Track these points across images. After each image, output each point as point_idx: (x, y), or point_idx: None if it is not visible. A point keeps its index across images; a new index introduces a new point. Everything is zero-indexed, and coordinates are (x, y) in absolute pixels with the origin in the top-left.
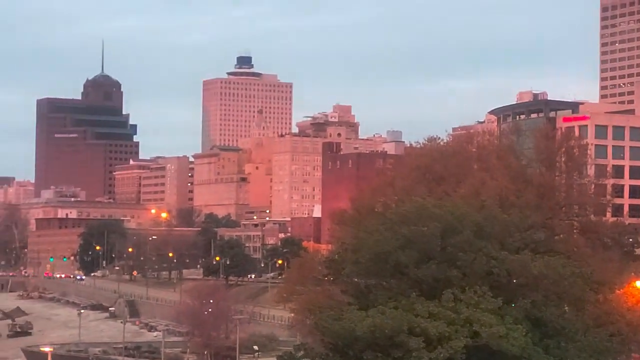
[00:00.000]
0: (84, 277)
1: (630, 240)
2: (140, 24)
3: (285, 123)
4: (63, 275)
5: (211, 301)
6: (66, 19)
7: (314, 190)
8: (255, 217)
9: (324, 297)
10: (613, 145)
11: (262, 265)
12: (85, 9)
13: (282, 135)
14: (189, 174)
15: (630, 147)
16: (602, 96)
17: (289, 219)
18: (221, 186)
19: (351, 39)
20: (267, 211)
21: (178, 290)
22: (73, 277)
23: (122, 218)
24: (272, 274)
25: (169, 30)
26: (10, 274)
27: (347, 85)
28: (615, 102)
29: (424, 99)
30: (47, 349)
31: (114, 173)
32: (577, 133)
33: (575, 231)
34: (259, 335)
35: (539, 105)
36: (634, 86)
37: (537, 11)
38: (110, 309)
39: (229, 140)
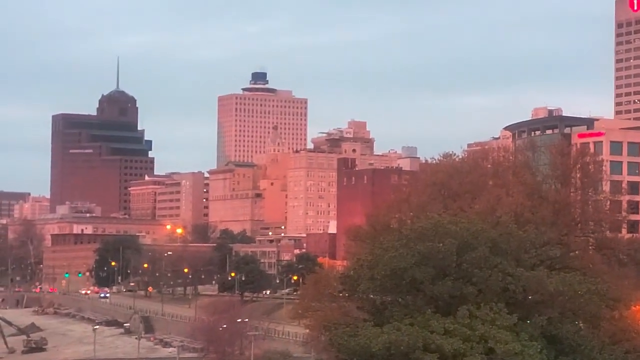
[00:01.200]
0: (108, 294)
1: None
2: (155, 40)
3: (300, 139)
4: (88, 292)
5: (226, 317)
6: (82, 35)
7: (329, 206)
8: (270, 233)
9: (340, 314)
10: (628, 162)
11: (277, 281)
12: (101, 25)
13: (297, 151)
14: (204, 190)
15: None
16: (617, 112)
17: (304, 235)
18: (236, 202)
19: (366, 55)
20: (282, 227)
21: (193, 306)
22: (90, 292)
23: (137, 234)
24: (287, 290)
25: (184, 46)
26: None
27: (362, 101)
28: (630, 118)
29: (439, 115)
30: None
31: (129, 189)
32: (592, 149)
33: (590, 248)
34: (274, 351)
35: (554, 121)
36: None
37: (551, 27)
38: (125, 324)
39: (244, 156)
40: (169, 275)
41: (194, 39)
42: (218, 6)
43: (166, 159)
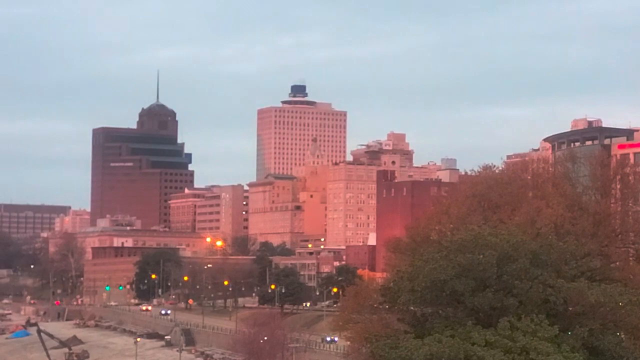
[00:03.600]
0: (169, 312)
1: None
2: (194, 53)
3: (340, 151)
4: (149, 308)
5: (267, 329)
6: (121, 50)
7: (368, 218)
8: (310, 245)
9: (380, 326)
10: None
11: (317, 293)
12: (140, 39)
13: (336, 164)
14: (244, 203)
15: None
16: None
17: (344, 247)
18: (276, 214)
19: (404, 67)
20: (322, 239)
21: (234, 319)
22: (150, 309)
23: (177, 246)
24: (327, 302)
25: (222, 59)
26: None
27: (400, 114)
28: None
29: (478, 127)
30: None
31: (169, 202)
32: (632, 160)
33: (631, 259)
34: None
35: (593, 132)
36: None
37: (589, 38)
38: (166, 337)
39: (283, 168)
40: (209, 287)
41: (232, 52)
42: (254, 20)
43: (206, 172)
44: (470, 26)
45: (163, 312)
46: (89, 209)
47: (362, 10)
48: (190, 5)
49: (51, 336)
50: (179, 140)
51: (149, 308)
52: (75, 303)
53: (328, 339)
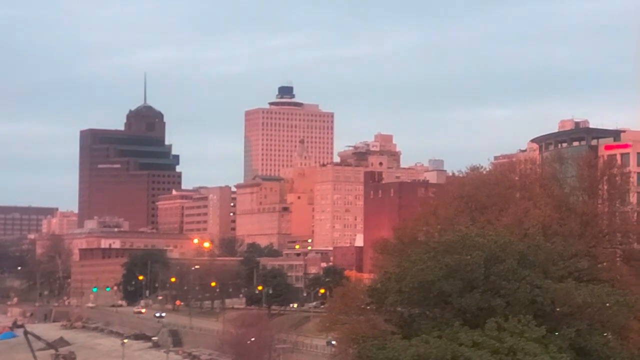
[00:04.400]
0: (164, 315)
1: None
2: (182, 55)
3: (327, 152)
4: (143, 311)
5: (254, 330)
6: (109, 52)
7: (355, 219)
8: (297, 247)
9: (367, 327)
10: None
11: (305, 294)
12: (128, 41)
13: (323, 165)
14: (232, 204)
15: None
16: None
17: (331, 249)
18: (263, 216)
19: (390, 68)
20: (309, 240)
21: (221, 320)
22: (144, 311)
23: (165, 248)
24: (314, 303)
25: (209, 61)
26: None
27: (388, 115)
28: None
29: (465, 128)
30: None
31: (157, 203)
32: (619, 161)
33: (618, 259)
34: None
35: (580, 133)
36: None
37: (576, 40)
38: (153, 338)
39: (271, 170)
40: (196, 289)
41: (219, 53)
42: (241, 21)
43: (193, 173)
44: (457, 27)
45: (158, 314)
46: (76, 211)
47: (349, 11)
48: (177, 7)
49: (38, 338)
50: (167, 142)
51: (143, 310)
52: (58, 304)
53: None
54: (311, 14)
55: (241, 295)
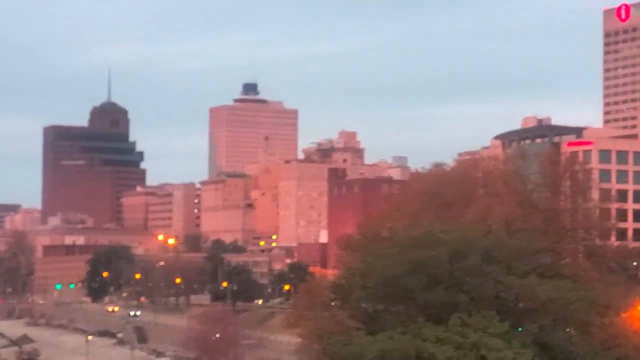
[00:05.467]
0: (138, 313)
1: (635, 264)
2: (146, 51)
3: (291, 149)
4: (116, 309)
5: (219, 326)
6: (73, 48)
7: (320, 215)
8: (262, 243)
9: (332, 323)
10: (617, 170)
11: (269, 290)
12: (92, 36)
13: (288, 162)
14: (196, 201)
15: (634, 171)
16: (606, 121)
17: (296, 245)
18: (228, 212)
19: (354, 66)
20: (274, 237)
21: (186, 316)
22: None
23: (129, 244)
24: (279, 300)
25: (173, 57)
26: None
27: (352, 112)
28: (618, 127)
29: (429, 125)
30: None
31: (121, 200)
32: (581, 158)
33: (581, 255)
34: None
35: (543, 130)
36: (637, 111)
37: (540, 37)
38: (118, 335)
39: (235, 166)
40: (161, 285)
41: (182, 49)
42: (204, 17)
43: (158, 170)
44: (420, 25)
45: (132, 313)
46: (40, 207)
47: (313, 7)
48: (141, 3)
49: (1, 335)
50: (131, 139)
51: (116, 309)
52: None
53: None
54: (275, 11)
55: (206, 292)
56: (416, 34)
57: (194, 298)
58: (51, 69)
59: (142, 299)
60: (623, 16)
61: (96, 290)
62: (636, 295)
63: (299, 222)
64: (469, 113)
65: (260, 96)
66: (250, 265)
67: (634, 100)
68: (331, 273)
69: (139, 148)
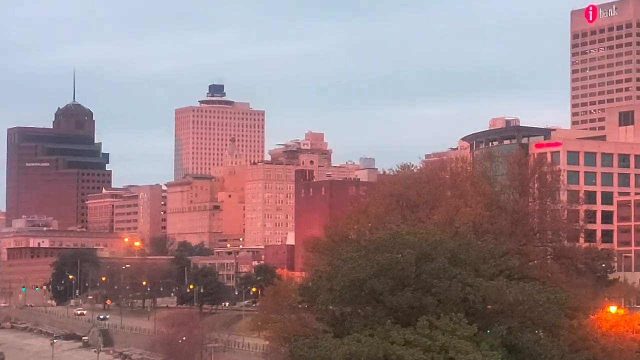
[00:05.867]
0: (107, 317)
1: (603, 265)
2: (110, 53)
3: (258, 151)
4: (84, 312)
5: (185, 329)
6: (37, 48)
7: (287, 217)
8: (228, 245)
9: (299, 325)
10: (585, 171)
11: (236, 293)
12: (56, 37)
13: (254, 163)
14: (162, 203)
15: (602, 172)
16: (574, 122)
17: (263, 247)
18: (194, 214)
19: (321, 66)
20: (241, 239)
21: (152, 319)
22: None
23: (95, 247)
24: (246, 302)
25: (138, 59)
26: None
27: (319, 113)
28: (586, 129)
29: (396, 126)
30: None
31: (87, 202)
32: (549, 159)
33: (549, 257)
34: None
35: (511, 131)
36: (604, 112)
37: (508, 38)
38: (83, 338)
39: (201, 168)
40: (127, 288)
41: (147, 50)
42: (167, 18)
43: (123, 172)
44: (386, 24)
45: (102, 317)
46: (4, 210)
47: (275, 8)
48: (104, 4)
49: None
50: (96, 140)
51: (84, 312)
52: None
53: None
54: (237, 12)
55: (172, 294)
56: (384, 34)
57: (160, 301)
58: (15, 70)
59: (108, 301)
60: (590, 17)
61: (61, 293)
62: (604, 297)
63: (265, 224)
64: (437, 114)
65: (227, 97)
66: (216, 267)
67: (601, 101)
68: (298, 275)
69: (104, 150)
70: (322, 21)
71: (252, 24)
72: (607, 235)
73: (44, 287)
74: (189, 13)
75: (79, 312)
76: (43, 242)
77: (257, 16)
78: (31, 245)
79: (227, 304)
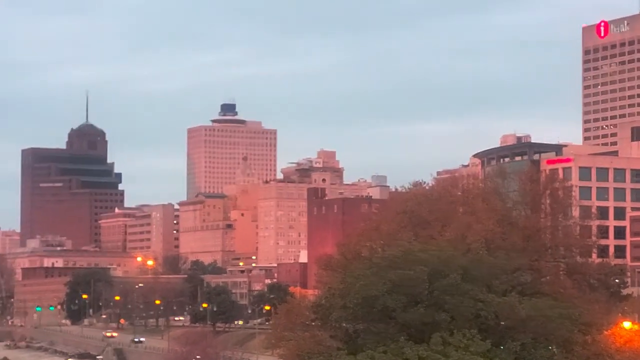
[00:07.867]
0: (142, 339)
1: (617, 281)
2: (123, 73)
3: (270, 169)
4: (115, 334)
5: (199, 348)
6: (50, 69)
7: (299, 235)
8: (241, 264)
9: (313, 343)
10: (597, 187)
11: (249, 311)
12: (70, 58)
13: (267, 182)
14: (175, 222)
15: (614, 188)
16: (586, 138)
17: (275, 265)
18: (207, 233)
19: (331, 84)
20: (253, 257)
21: (166, 338)
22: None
23: (108, 266)
24: (259, 320)
25: (149, 78)
26: None
27: (330, 131)
28: (598, 144)
29: (408, 143)
30: None
31: (100, 222)
32: (561, 175)
33: (561, 273)
34: None
35: (522, 148)
36: (616, 128)
37: (519, 54)
38: (98, 357)
39: (214, 187)
40: (140, 307)
41: (156, 70)
42: (176, 38)
43: (136, 191)
44: (398, 41)
45: (137, 339)
46: (18, 230)
47: (283, 26)
48: (114, 24)
49: None
50: (109, 160)
51: (114, 334)
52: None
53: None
54: (246, 30)
55: (185, 313)
56: (394, 52)
57: (173, 319)
58: (29, 90)
59: (122, 320)
60: (602, 33)
61: (75, 313)
62: (618, 313)
63: (278, 242)
64: (449, 131)
65: (239, 116)
66: (229, 286)
67: (613, 117)
68: (311, 293)
69: (117, 169)
70: (332, 38)
71: (261, 43)
72: (620, 251)
73: (59, 307)
74: (195, 32)
75: (108, 334)
76: (57, 261)
77: (256, 36)
78: (45, 265)
79: (240, 322)
